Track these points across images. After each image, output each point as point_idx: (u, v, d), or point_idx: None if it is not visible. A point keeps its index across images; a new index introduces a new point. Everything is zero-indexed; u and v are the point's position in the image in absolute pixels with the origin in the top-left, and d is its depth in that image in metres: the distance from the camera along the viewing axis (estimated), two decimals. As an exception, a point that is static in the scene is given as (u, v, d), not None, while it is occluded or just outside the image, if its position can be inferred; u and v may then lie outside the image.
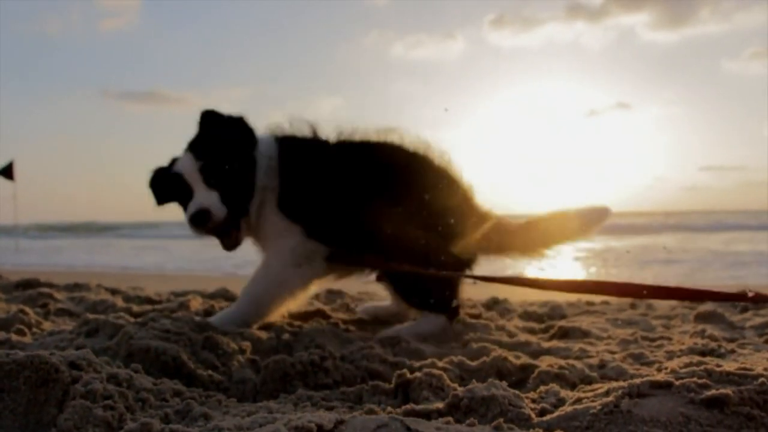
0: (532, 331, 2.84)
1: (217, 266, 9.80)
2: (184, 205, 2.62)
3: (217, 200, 2.55)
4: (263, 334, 2.41)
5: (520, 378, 1.94)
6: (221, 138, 2.63)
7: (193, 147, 2.63)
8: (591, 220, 2.69)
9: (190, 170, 2.57)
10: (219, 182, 2.57)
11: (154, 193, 2.78)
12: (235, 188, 2.60)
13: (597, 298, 4.12)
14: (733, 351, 2.16)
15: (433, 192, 2.64)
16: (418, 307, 2.70)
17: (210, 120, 2.65)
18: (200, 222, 2.53)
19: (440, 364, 1.98)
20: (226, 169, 2.59)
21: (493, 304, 3.67)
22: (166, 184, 2.68)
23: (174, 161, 2.68)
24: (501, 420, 1.34)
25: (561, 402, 1.53)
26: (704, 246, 13.65)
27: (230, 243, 2.68)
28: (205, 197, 2.54)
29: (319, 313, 3.10)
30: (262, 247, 2.81)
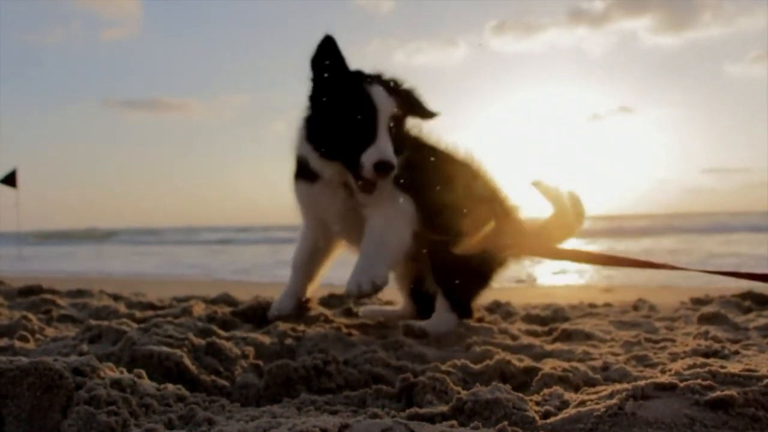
0: (535, 334, 2.84)
1: (216, 271, 9.81)
2: (354, 134, 2.46)
3: (393, 152, 2.45)
4: (266, 339, 2.41)
5: (524, 381, 1.94)
6: (416, 99, 2.65)
7: (395, 91, 2.56)
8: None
9: (385, 110, 2.46)
10: (395, 138, 2.49)
11: (333, 97, 2.54)
12: (398, 150, 2.52)
13: (599, 301, 4.11)
14: (737, 352, 2.15)
15: (482, 194, 2.82)
16: (443, 290, 2.78)
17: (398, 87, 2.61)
18: (385, 171, 2.41)
19: (443, 367, 1.98)
20: (405, 130, 2.60)
21: (495, 307, 3.66)
22: (346, 96, 2.50)
23: (362, 78, 2.54)
24: (505, 423, 1.34)
25: (565, 404, 1.53)
26: (708, 248, 13.63)
27: (371, 190, 2.55)
28: (390, 148, 2.43)
29: (322, 318, 3.09)
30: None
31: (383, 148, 2.41)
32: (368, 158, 2.40)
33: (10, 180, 13.95)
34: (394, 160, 2.41)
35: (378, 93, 2.47)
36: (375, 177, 2.43)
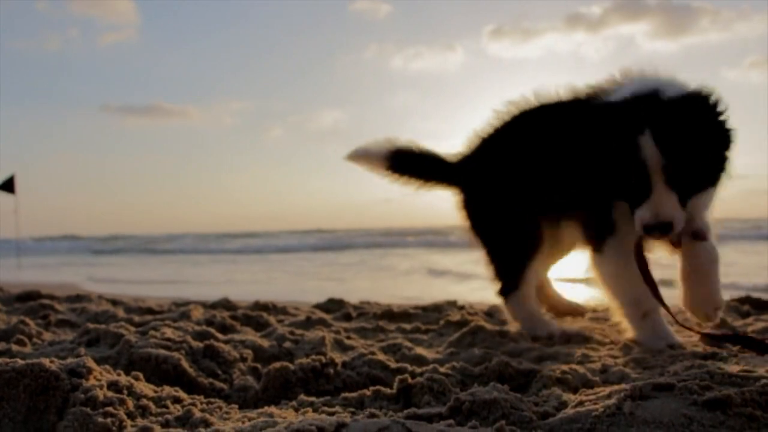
0: (534, 337, 2.83)
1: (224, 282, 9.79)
2: (632, 188, 2.21)
3: (679, 207, 2.19)
4: (265, 342, 2.41)
5: (523, 383, 1.93)
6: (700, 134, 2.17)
7: (659, 134, 2.12)
8: None
9: (655, 163, 2.12)
10: (681, 187, 2.18)
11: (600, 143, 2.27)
12: (699, 183, 2.24)
13: (599, 305, 4.10)
14: (735, 355, 2.14)
15: None
16: None
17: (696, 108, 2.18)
18: (660, 233, 2.20)
19: (442, 369, 1.97)
20: (694, 171, 2.19)
21: (494, 311, 3.66)
22: (621, 154, 2.19)
23: (630, 121, 2.16)
24: (503, 422, 1.34)
25: (563, 405, 1.52)
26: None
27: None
28: (667, 205, 2.16)
29: (321, 322, 3.09)
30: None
31: (654, 206, 2.17)
32: (637, 218, 2.22)
33: (9, 186, 13.96)
34: (670, 217, 2.16)
35: (645, 145, 2.13)
36: (649, 239, 2.29)
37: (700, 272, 2.42)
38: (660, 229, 2.17)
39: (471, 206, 2.87)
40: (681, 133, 2.14)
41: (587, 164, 2.37)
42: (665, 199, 2.16)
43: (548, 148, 2.60)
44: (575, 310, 3.03)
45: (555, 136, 2.58)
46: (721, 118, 2.19)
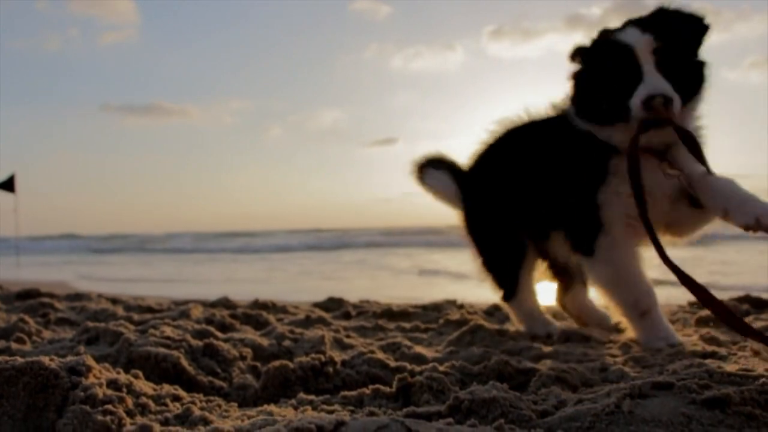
0: (533, 336, 2.83)
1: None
2: (624, 84, 2.24)
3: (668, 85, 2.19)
4: (264, 341, 2.41)
5: (522, 381, 1.93)
6: (679, 27, 2.29)
7: (654, 24, 2.27)
8: None
9: (642, 47, 2.21)
10: (672, 71, 2.22)
11: (589, 61, 2.41)
12: (683, 83, 2.25)
13: (598, 304, 4.10)
14: (734, 354, 2.15)
15: None
16: None
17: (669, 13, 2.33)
18: (662, 103, 2.14)
19: (441, 368, 1.97)
20: (680, 59, 2.26)
21: (494, 310, 3.66)
22: (607, 54, 2.30)
23: (612, 32, 2.33)
24: (502, 421, 1.34)
25: (562, 403, 1.52)
26: (709, 255, 13.60)
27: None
28: (661, 80, 2.18)
29: (320, 320, 3.09)
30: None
31: (651, 81, 2.18)
32: (635, 99, 2.19)
33: (9, 185, 13.97)
34: (670, 91, 2.16)
35: (629, 34, 2.26)
36: (649, 115, 2.18)
37: (723, 186, 2.23)
38: (661, 97, 2.14)
39: (468, 219, 2.96)
40: (664, 23, 2.27)
41: (590, 86, 2.40)
42: (659, 76, 2.19)
43: (536, 157, 2.67)
44: (602, 323, 3.02)
45: (543, 144, 2.65)
46: (698, 14, 2.34)
